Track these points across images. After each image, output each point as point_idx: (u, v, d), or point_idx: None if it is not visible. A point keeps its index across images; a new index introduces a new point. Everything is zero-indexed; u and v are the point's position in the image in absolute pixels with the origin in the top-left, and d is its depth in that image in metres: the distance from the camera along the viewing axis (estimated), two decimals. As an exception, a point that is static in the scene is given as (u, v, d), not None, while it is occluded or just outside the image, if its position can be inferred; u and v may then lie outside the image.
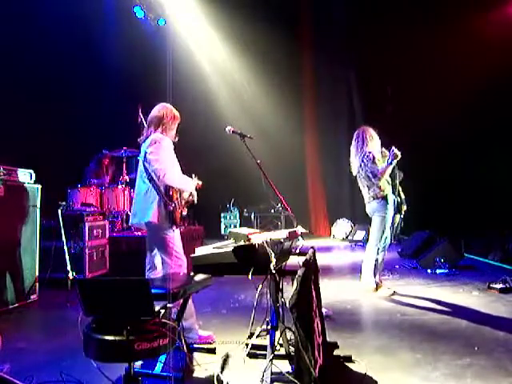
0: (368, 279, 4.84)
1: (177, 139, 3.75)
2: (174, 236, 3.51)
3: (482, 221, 8.41)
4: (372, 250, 4.86)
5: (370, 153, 4.83)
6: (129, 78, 8.95)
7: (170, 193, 3.49)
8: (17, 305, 4.39)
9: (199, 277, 2.81)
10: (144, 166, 3.47)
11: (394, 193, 5.02)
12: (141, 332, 2.00)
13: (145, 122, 7.62)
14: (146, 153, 3.43)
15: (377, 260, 4.85)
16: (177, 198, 3.53)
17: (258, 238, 2.50)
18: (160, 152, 3.42)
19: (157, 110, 3.67)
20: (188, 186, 3.60)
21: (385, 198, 4.82)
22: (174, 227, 3.51)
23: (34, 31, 7.13)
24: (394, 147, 4.73)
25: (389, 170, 4.79)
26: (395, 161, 4.73)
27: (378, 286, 4.84)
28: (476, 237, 8.04)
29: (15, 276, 4.41)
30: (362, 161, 4.85)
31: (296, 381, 2.19)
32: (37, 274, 4.71)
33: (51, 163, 6.72)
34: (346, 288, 5.14)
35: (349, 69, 11.37)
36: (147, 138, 3.53)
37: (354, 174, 5.05)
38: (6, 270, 4.31)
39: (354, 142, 5.02)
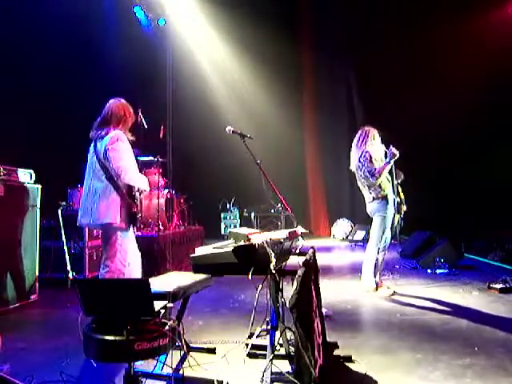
0: (368, 279, 4.84)
1: (132, 138, 3.65)
2: (128, 239, 3.44)
3: (482, 221, 8.41)
4: (372, 249, 4.86)
5: (366, 152, 4.83)
6: (129, 78, 8.95)
7: (133, 193, 3.46)
8: (17, 305, 4.39)
9: (199, 277, 2.81)
10: (101, 163, 3.34)
11: (393, 193, 5.02)
12: (141, 332, 2.00)
13: (145, 122, 7.65)
14: (106, 150, 3.30)
15: (377, 260, 4.85)
16: (136, 199, 3.51)
17: (258, 238, 2.50)
18: (122, 150, 3.35)
19: (116, 107, 3.51)
20: (145, 185, 3.56)
21: (385, 198, 4.82)
22: (133, 228, 3.49)
23: (34, 31, 7.12)
24: (392, 146, 4.75)
25: (387, 169, 4.79)
26: (393, 160, 4.74)
27: (378, 286, 4.84)
28: (476, 237, 8.05)
29: (15, 276, 4.40)
30: (359, 161, 4.86)
31: (296, 381, 2.19)
32: (37, 273, 4.71)
33: (51, 163, 6.72)
34: (346, 288, 5.14)
35: (349, 69, 11.37)
36: (106, 134, 3.37)
37: (352, 170, 5.05)
38: (6, 269, 4.31)
39: (355, 140, 5.02)
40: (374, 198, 4.85)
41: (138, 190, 3.58)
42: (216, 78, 11.11)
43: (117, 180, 3.35)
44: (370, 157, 4.80)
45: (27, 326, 3.95)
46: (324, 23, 11.18)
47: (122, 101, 3.60)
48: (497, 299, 4.41)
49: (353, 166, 5.01)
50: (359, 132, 5.02)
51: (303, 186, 12.14)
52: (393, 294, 4.74)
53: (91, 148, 3.49)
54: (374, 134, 4.94)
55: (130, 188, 3.45)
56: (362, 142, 4.91)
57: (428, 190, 9.37)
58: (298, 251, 2.92)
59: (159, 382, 2.61)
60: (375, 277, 4.84)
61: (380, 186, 4.81)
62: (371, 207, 4.92)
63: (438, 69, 9.20)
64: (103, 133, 3.39)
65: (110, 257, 3.39)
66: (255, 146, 3.34)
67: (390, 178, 4.95)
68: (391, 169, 4.89)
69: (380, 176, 4.74)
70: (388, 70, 9.57)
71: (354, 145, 5.02)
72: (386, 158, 4.90)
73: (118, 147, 3.34)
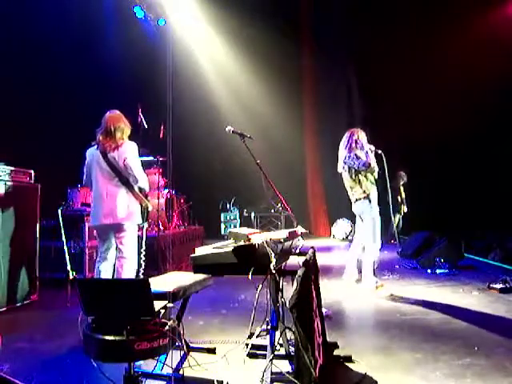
0: (368, 279, 4.90)
1: None
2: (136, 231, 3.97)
3: (482, 221, 8.41)
4: (369, 249, 4.93)
5: (350, 152, 4.98)
6: (129, 78, 8.95)
7: (145, 193, 3.95)
8: (17, 305, 4.39)
9: (199, 277, 2.81)
10: (115, 170, 3.74)
11: (397, 195, 5.18)
12: (141, 332, 2.00)
13: (145, 122, 7.64)
14: (125, 159, 3.74)
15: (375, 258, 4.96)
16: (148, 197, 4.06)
17: (258, 237, 2.50)
18: (138, 159, 3.84)
19: (116, 120, 3.84)
20: (148, 186, 4.01)
21: (367, 198, 4.94)
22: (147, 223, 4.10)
23: (35, 31, 7.12)
24: (375, 149, 5.02)
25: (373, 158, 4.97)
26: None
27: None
28: (476, 237, 8.05)
29: (15, 276, 4.40)
30: (345, 163, 5.02)
31: (296, 381, 2.19)
32: (37, 274, 4.71)
33: (51, 163, 6.72)
34: (346, 288, 5.13)
35: (349, 69, 11.37)
36: (119, 146, 3.76)
37: (339, 172, 5.20)
38: (7, 269, 4.31)
39: (342, 143, 5.16)
40: (356, 199, 5.02)
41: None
42: (216, 77, 11.10)
43: (133, 184, 3.81)
44: (356, 155, 4.97)
45: (27, 325, 3.95)
46: (324, 23, 11.18)
47: (118, 112, 3.92)
48: (497, 299, 4.41)
49: (340, 168, 5.15)
50: (346, 134, 5.16)
51: (303, 185, 12.13)
52: (381, 286, 4.86)
53: (97, 155, 3.83)
54: (359, 135, 5.07)
55: (140, 189, 3.92)
56: (349, 145, 5.05)
57: (428, 190, 9.37)
58: (298, 251, 2.92)
59: (159, 382, 2.61)
60: (374, 275, 4.93)
61: (361, 187, 4.95)
62: (356, 208, 5.10)
63: (438, 68, 9.20)
64: (114, 145, 3.77)
65: (127, 248, 3.80)
66: (255, 146, 3.34)
67: (373, 180, 5.06)
68: (384, 172, 5.07)
69: (371, 162, 4.91)
70: (388, 69, 9.57)
71: (341, 146, 5.16)
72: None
73: (137, 158, 3.83)
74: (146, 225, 4.36)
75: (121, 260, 3.81)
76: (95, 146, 3.87)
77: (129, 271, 3.81)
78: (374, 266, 4.96)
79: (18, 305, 4.41)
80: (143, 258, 4.36)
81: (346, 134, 5.14)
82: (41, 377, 2.70)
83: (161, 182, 7.20)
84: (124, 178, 3.77)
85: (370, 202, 4.93)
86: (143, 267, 4.37)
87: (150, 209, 3.99)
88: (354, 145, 5.00)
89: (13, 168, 4.50)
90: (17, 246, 4.46)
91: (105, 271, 3.85)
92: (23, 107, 7.05)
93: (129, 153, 3.78)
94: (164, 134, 7.34)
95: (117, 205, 3.72)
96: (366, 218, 4.96)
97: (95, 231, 4.15)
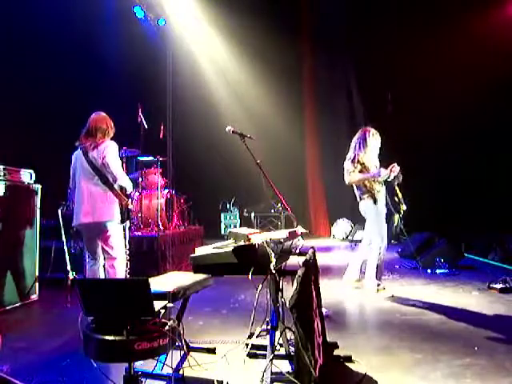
0: (369, 281, 4.84)
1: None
2: (121, 231, 3.96)
3: (482, 221, 8.40)
4: (374, 251, 4.82)
5: (357, 154, 4.84)
6: (129, 78, 8.95)
7: (127, 192, 3.93)
8: (17, 305, 4.39)
9: (199, 277, 2.81)
10: (96, 169, 3.75)
11: (394, 195, 5.06)
12: (141, 332, 2.00)
13: (145, 122, 7.64)
14: (104, 158, 3.73)
15: (379, 260, 4.86)
16: (131, 196, 4.05)
17: (258, 238, 2.50)
18: (117, 158, 3.85)
19: (99, 121, 3.88)
20: (131, 187, 4.01)
21: (372, 197, 4.79)
22: (129, 222, 4.06)
23: (34, 31, 7.12)
24: (397, 168, 4.83)
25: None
26: (378, 178, 4.78)
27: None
28: (476, 237, 8.04)
29: (15, 276, 4.41)
30: (347, 159, 4.90)
31: (296, 381, 2.19)
32: (37, 274, 4.71)
33: (51, 163, 6.72)
34: (346, 288, 5.13)
35: (349, 69, 11.37)
36: (99, 145, 3.78)
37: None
38: (6, 269, 4.31)
39: (354, 140, 5.00)
40: (360, 198, 4.89)
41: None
42: (216, 77, 11.11)
43: (113, 183, 3.79)
44: (354, 157, 4.82)
45: (27, 325, 3.95)
46: (324, 23, 11.17)
47: (103, 114, 3.95)
48: (497, 299, 4.41)
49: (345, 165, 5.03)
50: (359, 132, 4.99)
51: (303, 186, 12.13)
52: (383, 289, 4.79)
53: (80, 156, 3.86)
54: (373, 135, 4.91)
55: (122, 189, 3.91)
56: (358, 145, 4.90)
57: (428, 189, 9.36)
58: (297, 251, 2.92)
59: (159, 382, 2.61)
60: (377, 278, 4.84)
61: (365, 186, 4.81)
62: (360, 206, 4.96)
63: (438, 69, 9.19)
64: (94, 144, 3.80)
65: (113, 248, 3.80)
66: (255, 146, 3.34)
67: (382, 181, 4.92)
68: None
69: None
70: (388, 70, 9.58)
71: (352, 143, 5.01)
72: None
73: (116, 156, 3.83)
74: (128, 224, 4.39)
75: (110, 260, 3.81)
76: (79, 148, 3.89)
77: (120, 270, 3.81)
78: (377, 268, 4.83)
79: (18, 305, 4.41)
80: (127, 258, 4.37)
81: (360, 134, 4.95)
82: (41, 377, 2.70)
83: (161, 182, 7.20)
84: (104, 177, 3.77)
85: (374, 202, 4.77)
86: (128, 267, 4.40)
87: (130, 207, 3.99)
88: (362, 147, 4.84)
89: (13, 168, 4.50)
90: (17, 246, 4.46)
91: (95, 271, 3.86)
92: (23, 107, 7.05)
93: (108, 151, 3.77)
94: (164, 134, 7.33)
95: (97, 204, 3.72)
96: (369, 218, 4.84)
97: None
